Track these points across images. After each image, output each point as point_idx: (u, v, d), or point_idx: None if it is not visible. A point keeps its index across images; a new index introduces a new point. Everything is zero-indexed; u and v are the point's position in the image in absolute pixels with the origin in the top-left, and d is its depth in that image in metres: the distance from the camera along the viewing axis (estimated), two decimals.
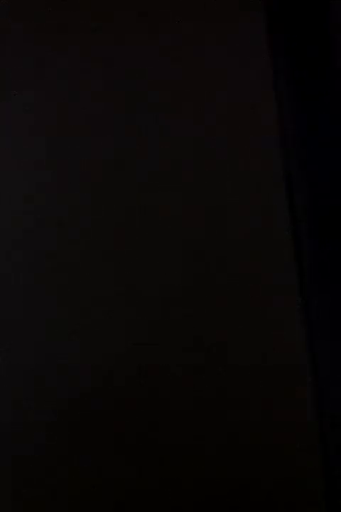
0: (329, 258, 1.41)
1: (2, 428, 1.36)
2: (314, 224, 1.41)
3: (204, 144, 1.44)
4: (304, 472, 1.36)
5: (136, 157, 1.44)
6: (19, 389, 1.37)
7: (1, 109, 1.44)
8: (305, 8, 1.47)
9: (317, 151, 1.43)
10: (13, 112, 1.44)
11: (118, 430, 1.37)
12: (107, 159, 1.44)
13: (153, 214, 1.42)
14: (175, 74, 1.46)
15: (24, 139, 1.44)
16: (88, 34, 1.46)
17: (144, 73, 1.46)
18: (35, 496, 1.35)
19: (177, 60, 1.46)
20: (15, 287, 1.40)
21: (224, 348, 1.39)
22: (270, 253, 1.42)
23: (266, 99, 1.45)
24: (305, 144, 1.43)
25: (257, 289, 1.41)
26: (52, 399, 1.36)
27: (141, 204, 1.43)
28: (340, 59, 1.45)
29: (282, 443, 1.37)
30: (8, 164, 1.44)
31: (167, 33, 1.46)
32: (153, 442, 1.37)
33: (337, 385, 1.38)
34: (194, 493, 1.36)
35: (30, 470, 1.35)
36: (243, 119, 1.45)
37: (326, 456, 1.37)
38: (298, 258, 1.42)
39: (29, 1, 1.46)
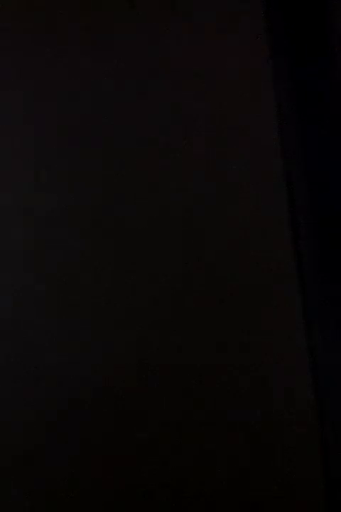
0: (330, 258, 1.41)
1: (2, 427, 1.36)
2: (314, 224, 1.41)
3: (203, 144, 1.44)
4: (304, 472, 1.37)
5: (136, 157, 1.44)
6: (19, 389, 1.37)
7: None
8: (304, 6, 1.47)
9: (317, 151, 1.43)
10: (11, 111, 1.45)
11: (118, 431, 1.37)
12: (107, 159, 1.44)
13: (153, 214, 1.42)
14: (175, 74, 1.46)
15: (21, 139, 1.44)
16: (88, 34, 1.46)
17: (144, 73, 1.46)
18: (35, 495, 1.35)
19: (176, 61, 1.46)
20: (14, 287, 1.40)
21: (224, 348, 1.39)
22: (270, 253, 1.42)
23: (266, 99, 1.45)
24: (305, 144, 1.43)
25: (257, 288, 1.41)
26: (52, 399, 1.37)
27: (140, 204, 1.43)
28: (340, 58, 1.45)
29: (282, 443, 1.37)
30: (6, 163, 1.44)
31: (166, 33, 1.46)
32: (153, 442, 1.37)
33: (337, 384, 1.38)
34: (194, 494, 1.36)
35: (29, 470, 1.35)
36: (243, 119, 1.45)
37: (326, 458, 1.37)
38: (298, 258, 1.42)
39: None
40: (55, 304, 1.39)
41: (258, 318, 1.40)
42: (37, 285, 1.40)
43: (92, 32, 1.46)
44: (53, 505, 1.35)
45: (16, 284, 1.40)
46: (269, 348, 1.39)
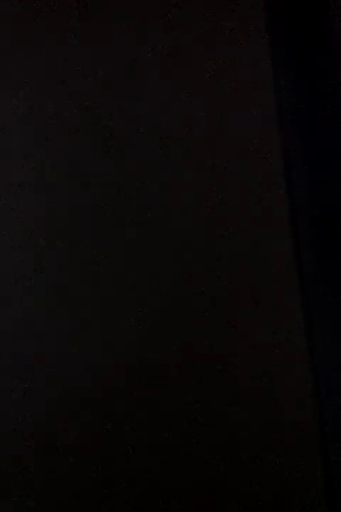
0: (330, 258, 1.41)
1: (2, 427, 1.36)
2: (314, 224, 1.41)
3: (203, 144, 1.44)
4: (304, 472, 1.36)
5: (136, 157, 1.44)
6: (18, 389, 1.37)
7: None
8: (304, 7, 1.47)
9: (318, 151, 1.43)
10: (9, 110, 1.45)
11: (118, 430, 1.37)
12: (107, 157, 1.44)
13: (153, 214, 1.42)
14: (175, 73, 1.46)
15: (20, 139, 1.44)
16: (89, 36, 1.46)
17: (143, 73, 1.46)
18: (34, 495, 1.35)
19: (176, 60, 1.46)
20: (16, 287, 1.39)
21: (224, 349, 1.39)
22: (270, 253, 1.42)
23: (266, 99, 1.45)
24: (305, 144, 1.43)
25: (257, 288, 1.41)
26: (52, 399, 1.36)
27: (140, 204, 1.43)
28: (340, 56, 1.45)
29: (282, 443, 1.37)
30: (7, 163, 1.44)
31: (165, 33, 1.46)
32: (153, 441, 1.37)
33: (337, 384, 1.38)
34: (194, 494, 1.36)
35: (29, 470, 1.35)
36: (243, 119, 1.45)
37: (326, 458, 1.37)
38: (298, 258, 1.42)
39: None
40: (55, 304, 1.39)
41: (258, 318, 1.40)
42: (36, 285, 1.40)
43: (92, 32, 1.46)
44: (53, 505, 1.35)
45: (16, 283, 1.40)
46: (269, 348, 1.39)
